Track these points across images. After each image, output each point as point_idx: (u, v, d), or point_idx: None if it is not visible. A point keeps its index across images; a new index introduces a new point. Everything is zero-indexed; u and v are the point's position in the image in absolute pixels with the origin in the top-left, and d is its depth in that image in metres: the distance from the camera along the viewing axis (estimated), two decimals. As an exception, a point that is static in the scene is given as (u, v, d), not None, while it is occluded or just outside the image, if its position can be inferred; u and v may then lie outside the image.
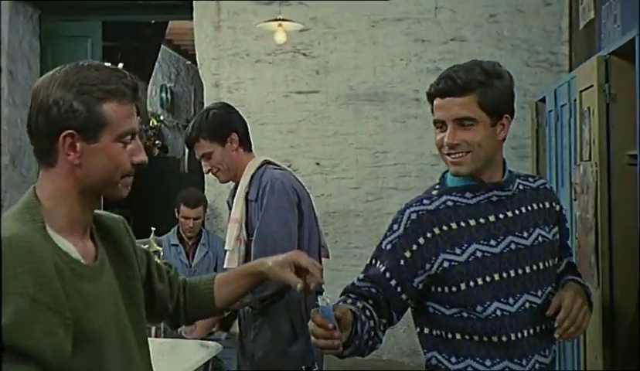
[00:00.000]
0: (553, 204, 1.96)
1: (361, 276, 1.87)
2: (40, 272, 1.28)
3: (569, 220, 3.17)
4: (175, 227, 4.74)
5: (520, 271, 1.83)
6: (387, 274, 1.82)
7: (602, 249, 2.55)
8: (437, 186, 1.92)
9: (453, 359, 1.84)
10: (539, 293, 1.85)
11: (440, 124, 1.83)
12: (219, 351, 2.96)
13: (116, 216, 1.60)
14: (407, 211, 1.86)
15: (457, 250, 1.81)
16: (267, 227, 2.58)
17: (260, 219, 2.60)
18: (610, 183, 2.57)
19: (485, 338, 1.80)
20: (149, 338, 1.61)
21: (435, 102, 1.83)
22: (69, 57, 5.53)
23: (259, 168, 2.69)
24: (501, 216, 1.85)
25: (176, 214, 4.66)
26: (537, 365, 1.83)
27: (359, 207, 5.13)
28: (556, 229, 1.94)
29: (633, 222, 2.49)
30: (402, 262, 1.81)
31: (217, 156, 2.71)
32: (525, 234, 1.86)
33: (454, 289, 1.80)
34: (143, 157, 1.45)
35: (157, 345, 2.71)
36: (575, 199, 2.97)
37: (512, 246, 1.84)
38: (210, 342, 3.01)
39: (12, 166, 5.26)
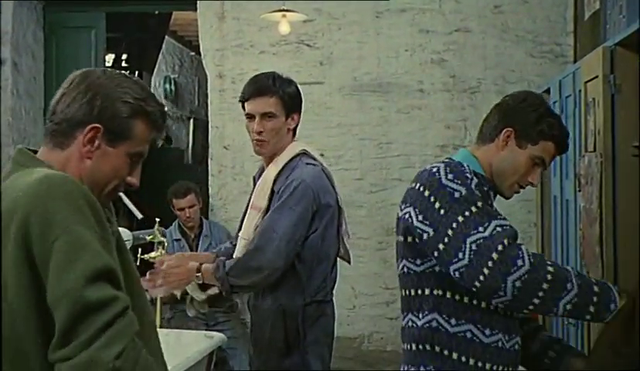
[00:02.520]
0: None
1: (526, 251, 1.78)
2: (96, 209, 1.32)
3: (573, 211, 3.17)
4: (175, 222, 4.75)
5: None
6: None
7: (606, 240, 2.55)
8: (466, 164, 1.93)
9: (453, 321, 1.85)
10: None
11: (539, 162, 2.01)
12: (224, 342, 2.97)
13: None
14: (475, 180, 1.90)
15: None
16: (272, 224, 2.47)
17: (271, 213, 2.50)
18: (614, 174, 2.56)
19: (491, 307, 1.84)
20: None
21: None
22: (73, 48, 5.57)
23: (294, 158, 2.57)
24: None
25: (173, 211, 4.69)
26: (516, 346, 1.93)
27: (362, 198, 5.12)
28: None
29: (638, 214, 2.49)
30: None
31: (277, 124, 2.54)
32: None
33: None
34: (136, 181, 1.52)
35: (162, 336, 2.71)
36: (579, 190, 2.96)
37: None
38: (215, 333, 3.02)
39: (17, 157, 5.27)
